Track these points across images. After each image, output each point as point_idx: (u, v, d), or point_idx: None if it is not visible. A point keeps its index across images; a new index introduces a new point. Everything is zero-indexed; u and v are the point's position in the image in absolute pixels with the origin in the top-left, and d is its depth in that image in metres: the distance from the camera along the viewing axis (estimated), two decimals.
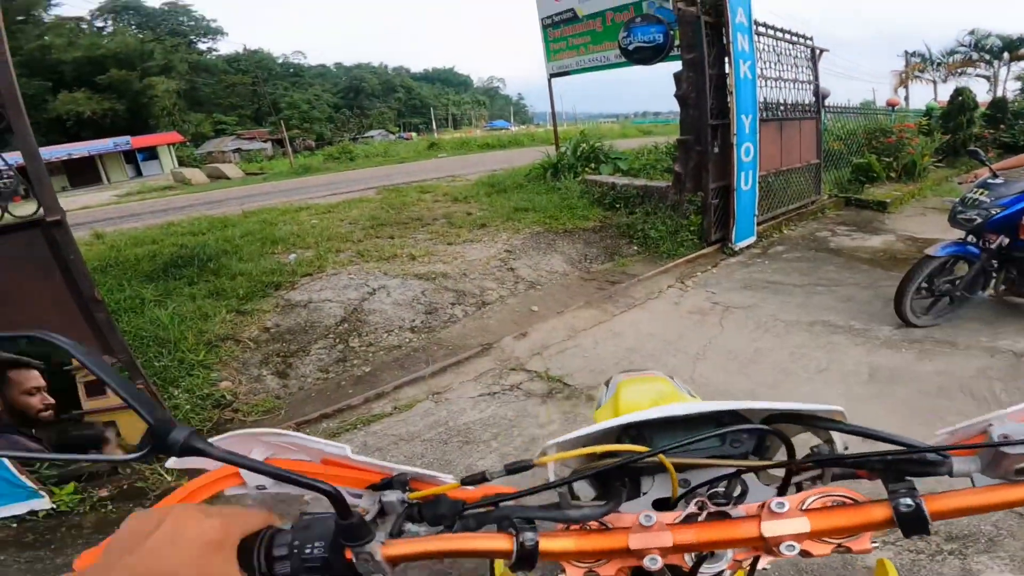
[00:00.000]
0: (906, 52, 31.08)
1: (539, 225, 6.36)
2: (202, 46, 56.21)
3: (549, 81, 9.34)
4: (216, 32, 56.97)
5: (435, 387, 3.43)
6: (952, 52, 28.89)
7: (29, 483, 2.48)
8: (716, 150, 5.73)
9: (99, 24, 50.70)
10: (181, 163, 34.74)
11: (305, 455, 0.63)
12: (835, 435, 0.57)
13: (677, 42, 6.24)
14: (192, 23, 55.42)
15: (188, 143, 39.61)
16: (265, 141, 43.22)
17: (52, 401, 0.58)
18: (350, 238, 6.12)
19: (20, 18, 34.01)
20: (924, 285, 3.70)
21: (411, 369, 3.60)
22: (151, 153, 35.72)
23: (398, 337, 4.06)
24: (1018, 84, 23.99)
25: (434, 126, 69.84)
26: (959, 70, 28.72)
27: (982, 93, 22.69)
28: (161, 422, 0.44)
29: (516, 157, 14.68)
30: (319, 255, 5.42)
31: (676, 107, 6.23)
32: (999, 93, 23.01)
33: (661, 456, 0.51)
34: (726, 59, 5.66)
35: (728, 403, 0.55)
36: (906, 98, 29.53)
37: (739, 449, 0.61)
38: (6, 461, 2.36)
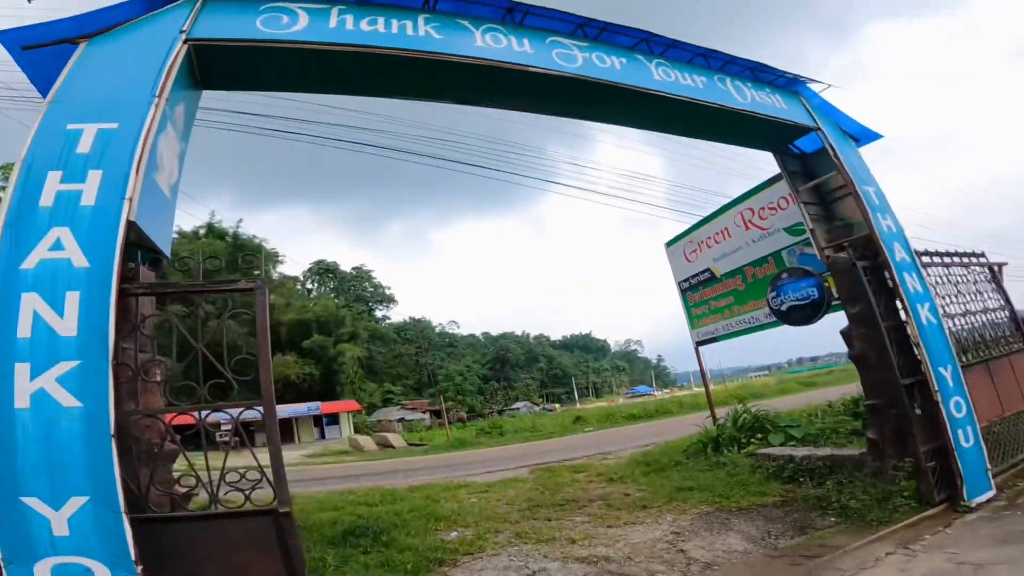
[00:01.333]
0: None
1: (707, 504, 6.10)
2: (378, 313, 63.15)
3: (697, 351, 9.24)
4: (390, 300, 64.50)
5: None
6: None
7: None
8: (918, 411, 5.24)
9: (308, 285, 59.80)
10: (356, 429, 38.39)
11: None
12: None
13: (835, 292, 5.98)
14: (372, 289, 63.48)
15: (363, 411, 43.76)
16: (424, 412, 46.83)
17: None
18: (508, 519, 6.40)
19: (257, 272, 38.39)
20: None
21: None
22: (333, 418, 40.25)
23: None
24: None
25: (576, 395, 71.80)
26: None
27: None
28: None
29: (667, 429, 14.52)
30: (479, 535, 5.72)
31: (836, 348, 6.01)
32: None
33: None
34: (899, 305, 5.39)
35: None
36: None
37: None
38: None
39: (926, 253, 6.06)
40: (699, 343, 9.22)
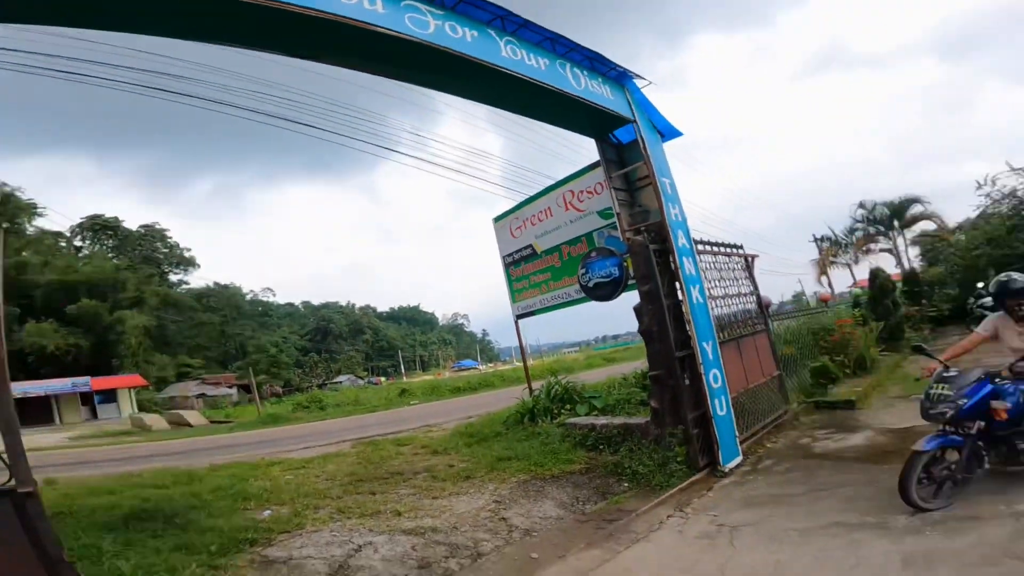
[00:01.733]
0: (815, 237, 31.66)
1: (525, 473, 6.36)
2: (173, 277, 54.66)
3: (516, 324, 9.57)
4: (189, 263, 55.69)
5: None
6: (852, 230, 29.34)
7: None
8: (687, 381, 5.91)
9: (77, 243, 49.35)
10: (141, 407, 33.41)
11: None
12: None
13: (632, 272, 6.41)
14: (166, 250, 54.60)
15: (151, 387, 38.12)
16: (231, 386, 42.59)
17: None
18: (329, 494, 6.09)
19: (5, 225, 32.64)
20: (923, 476, 3.83)
21: None
22: (109, 395, 34.34)
23: None
24: (916, 249, 24.88)
25: (403, 368, 71.35)
26: (864, 247, 28.90)
27: (891, 267, 23.62)
28: None
29: (490, 401, 14.93)
30: (296, 512, 5.35)
31: (635, 327, 6.47)
32: (906, 264, 24.51)
33: None
34: (678, 285, 5.95)
35: None
36: (829, 285, 30.74)
37: None
38: None
39: (700, 242, 6.79)
40: (519, 316, 9.58)
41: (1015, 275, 4.27)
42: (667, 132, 6.98)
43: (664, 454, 5.91)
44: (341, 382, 55.08)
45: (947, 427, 3.93)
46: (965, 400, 3.85)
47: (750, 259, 8.05)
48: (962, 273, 16.07)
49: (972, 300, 14.25)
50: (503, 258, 9.83)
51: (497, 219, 10.00)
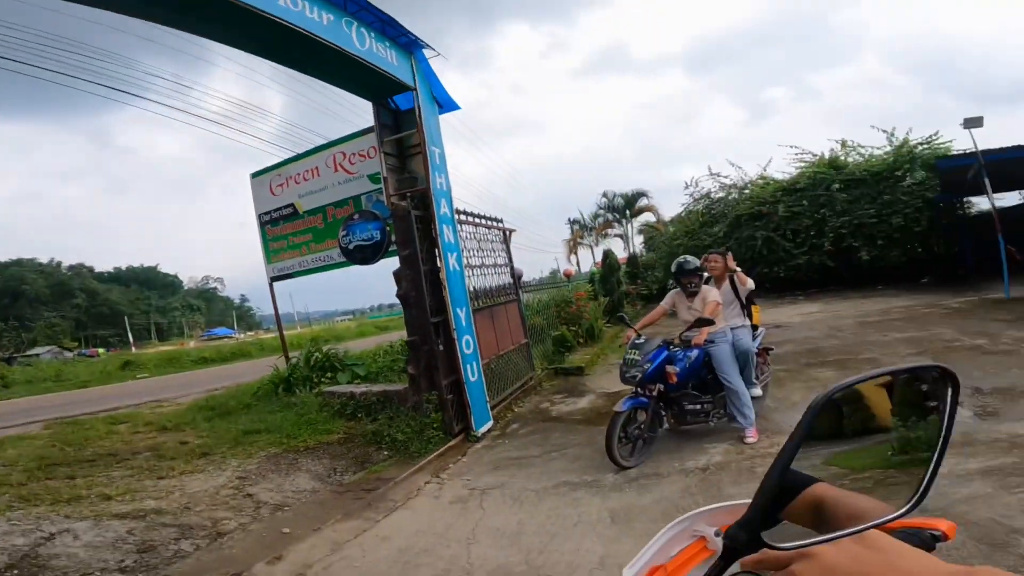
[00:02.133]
0: (569, 220, 34.82)
1: (276, 446, 5.92)
2: None
3: (271, 286, 8.88)
4: None
5: None
6: (596, 215, 32.42)
7: None
8: (441, 347, 6.05)
9: None
10: None
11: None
12: None
13: (394, 237, 6.32)
14: None
15: None
16: None
17: None
18: (7, 481, 5.03)
19: None
20: (622, 435, 4.40)
21: None
22: None
23: None
24: (641, 237, 29.25)
25: (131, 338, 59.55)
26: (604, 232, 32.19)
27: (620, 251, 27.79)
28: None
29: (242, 372, 13.71)
30: None
31: None
32: (632, 249, 28.82)
33: None
34: (436, 252, 6.00)
35: None
36: (577, 263, 34.60)
37: None
38: None
39: (462, 212, 6.97)
40: (274, 279, 8.86)
41: (689, 257, 5.09)
42: (446, 104, 7.00)
43: (422, 421, 6.00)
44: (39, 355, 43.39)
45: (638, 389, 4.52)
46: (649, 364, 4.44)
47: (508, 233, 8.57)
48: (667, 259, 19.76)
49: (671, 282, 17.79)
50: (259, 216, 8.92)
51: (255, 175, 8.97)
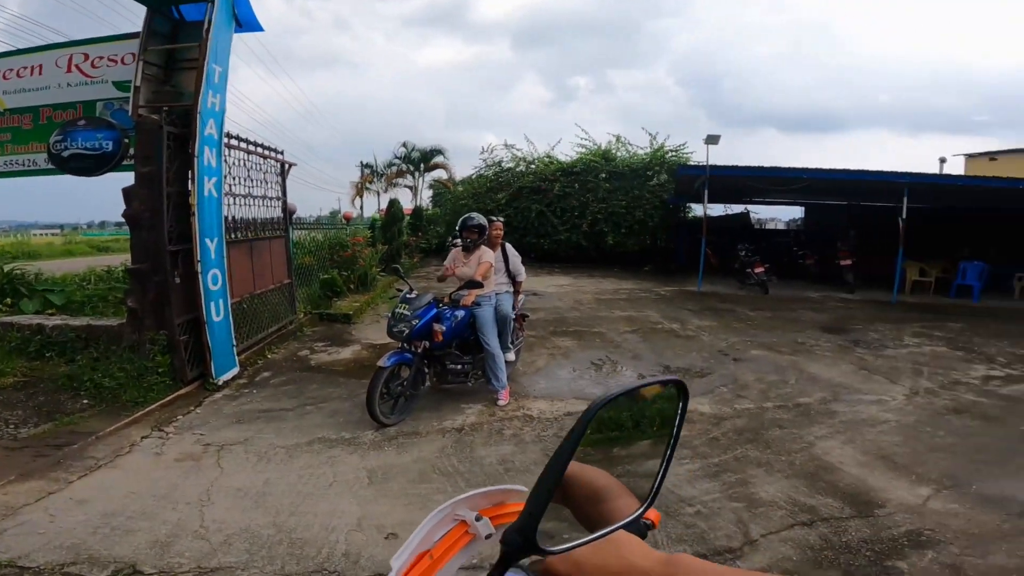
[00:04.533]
0: (361, 163, 34.15)
1: None
2: None
3: None
4: None
5: None
6: (391, 163, 32.05)
7: None
8: (178, 280, 5.27)
9: None
10: None
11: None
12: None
13: (132, 152, 5.61)
14: None
15: None
16: None
17: None
18: None
19: None
20: (384, 390, 4.35)
21: None
22: None
23: None
24: (430, 192, 29.32)
25: None
26: (395, 181, 32.01)
27: (408, 202, 27.55)
28: None
29: None
30: None
31: None
32: (419, 202, 29.07)
33: None
34: (190, 174, 5.30)
35: None
36: (361, 208, 34.07)
37: None
38: None
39: (235, 137, 6.28)
40: None
41: (475, 214, 5.20)
42: (248, 24, 6.15)
43: (142, 364, 5.11)
44: None
45: (404, 345, 4.50)
46: (417, 321, 4.44)
47: (287, 165, 7.77)
48: (451, 216, 20.18)
49: (450, 238, 18.35)
50: None
51: None
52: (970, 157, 24.53)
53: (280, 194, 7.61)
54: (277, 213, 7.54)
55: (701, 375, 6.04)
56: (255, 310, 6.69)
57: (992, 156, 23.78)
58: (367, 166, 33.86)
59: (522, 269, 5.58)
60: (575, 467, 0.68)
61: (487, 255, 5.02)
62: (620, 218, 16.66)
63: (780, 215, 23.19)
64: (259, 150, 6.90)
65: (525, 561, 0.69)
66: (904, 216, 11.21)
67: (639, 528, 0.66)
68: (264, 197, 7.09)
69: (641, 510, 0.66)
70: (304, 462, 3.83)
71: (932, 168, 18.87)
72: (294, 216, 8.41)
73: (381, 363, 4.32)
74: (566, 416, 4.71)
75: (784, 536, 2.98)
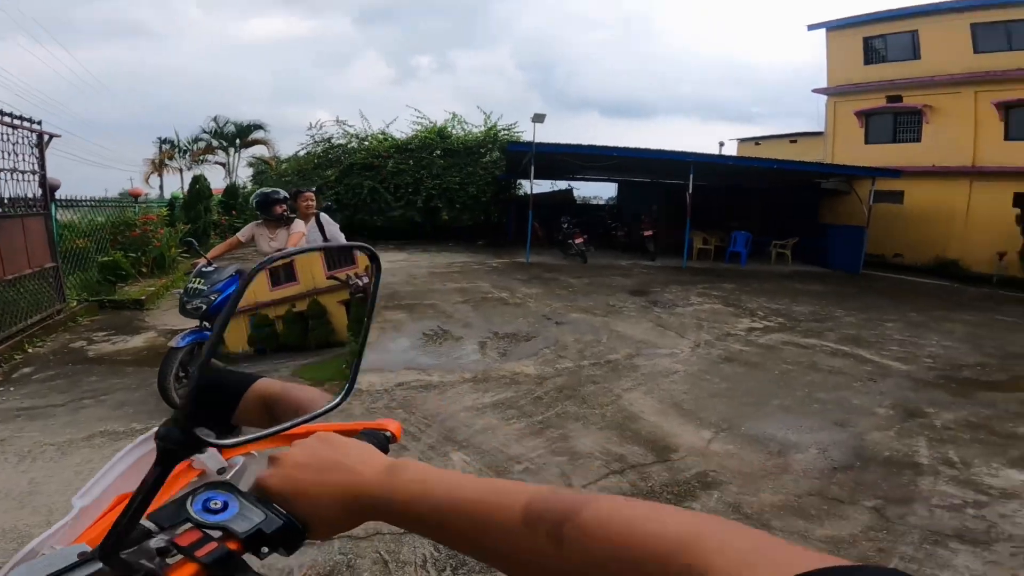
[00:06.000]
0: (159, 139, 30.38)
1: None
2: None
3: None
4: None
5: None
6: (197, 139, 29.25)
7: None
8: None
9: None
10: None
11: None
12: None
13: None
14: None
15: None
16: None
17: None
18: None
19: None
20: (181, 374, 3.87)
21: None
22: None
23: None
24: (250, 170, 26.26)
25: None
26: (202, 157, 29.58)
27: (220, 180, 25.39)
28: None
29: None
30: None
31: None
32: (233, 180, 26.14)
33: None
34: None
35: None
36: (160, 187, 29.82)
37: None
38: None
39: None
40: None
41: (278, 189, 4.92)
42: None
43: None
44: None
45: (204, 323, 4.00)
46: (216, 295, 3.96)
47: (45, 137, 6.51)
48: None
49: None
50: None
51: None
52: (742, 141, 29.58)
53: (36, 168, 6.39)
54: (35, 189, 6.35)
55: (527, 339, 6.46)
56: (6, 298, 5.49)
57: (757, 141, 28.98)
58: (167, 141, 29.87)
59: (342, 237, 5.38)
60: (266, 383, 0.67)
61: (298, 226, 4.73)
62: (454, 194, 16.89)
63: (602, 193, 25.41)
64: (5, 119, 5.68)
65: (244, 483, 0.65)
66: (691, 191, 13.11)
67: (379, 440, 0.67)
68: (13, 171, 5.87)
69: (340, 398, 0.66)
70: (83, 457, 3.37)
71: (714, 151, 22.16)
72: (55, 192, 7.04)
73: (174, 343, 3.88)
74: (396, 387, 4.70)
75: (601, 485, 3.31)
